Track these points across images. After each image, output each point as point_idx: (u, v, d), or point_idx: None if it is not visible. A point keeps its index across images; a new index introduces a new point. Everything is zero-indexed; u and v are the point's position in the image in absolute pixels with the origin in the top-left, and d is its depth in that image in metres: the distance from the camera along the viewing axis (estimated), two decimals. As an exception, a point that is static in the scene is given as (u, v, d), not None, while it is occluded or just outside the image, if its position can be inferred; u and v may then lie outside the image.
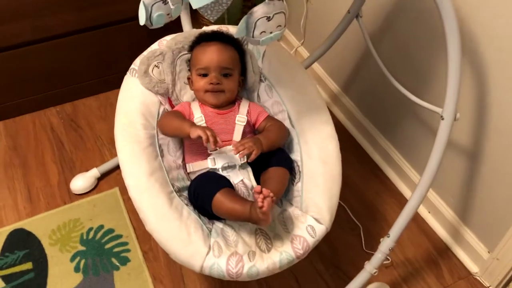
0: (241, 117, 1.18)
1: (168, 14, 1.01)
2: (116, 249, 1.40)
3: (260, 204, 0.93)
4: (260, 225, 1.01)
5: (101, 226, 1.45)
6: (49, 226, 1.45)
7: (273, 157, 1.12)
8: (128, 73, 1.20)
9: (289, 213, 1.11)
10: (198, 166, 1.14)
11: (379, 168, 1.67)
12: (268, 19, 0.88)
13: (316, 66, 1.86)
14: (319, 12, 1.76)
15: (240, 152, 1.05)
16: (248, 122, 1.19)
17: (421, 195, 1.13)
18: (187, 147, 1.18)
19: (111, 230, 1.45)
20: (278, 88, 1.22)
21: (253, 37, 0.87)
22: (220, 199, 1.02)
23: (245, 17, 0.88)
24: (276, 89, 1.22)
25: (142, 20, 0.99)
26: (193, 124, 1.10)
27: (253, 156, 1.06)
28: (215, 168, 1.11)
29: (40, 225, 1.45)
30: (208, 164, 1.12)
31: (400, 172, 1.59)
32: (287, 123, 1.20)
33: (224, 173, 1.11)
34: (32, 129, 1.73)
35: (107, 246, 1.41)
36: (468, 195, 1.37)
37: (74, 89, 1.81)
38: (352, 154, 1.71)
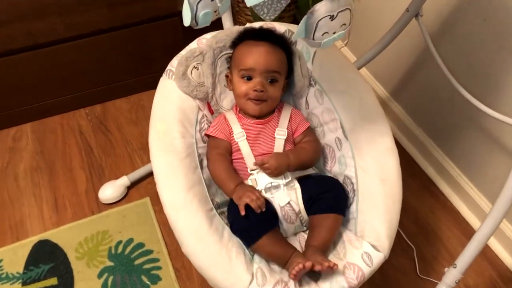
0: (281, 131, 1.06)
1: (215, 11, 0.89)
2: (146, 266, 1.29)
3: (291, 276, 0.88)
4: None
5: (131, 240, 1.35)
6: (76, 238, 1.35)
7: (327, 196, 0.99)
8: (164, 74, 1.08)
9: (341, 237, 0.98)
10: None
11: (433, 183, 1.52)
12: (332, 18, 0.75)
13: (361, 68, 1.72)
14: (367, 11, 1.62)
15: (261, 167, 1.00)
16: (288, 133, 1.07)
17: (495, 223, 0.98)
18: None
19: (141, 245, 1.34)
20: (330, 93, 1.09)
21: (313, 39, 0.75)
22: (263, 244, 0.93)
23: (305, 17, 0.75)
24: (327, 95, 1.09)
25: (187, 21, 0.88)
26: (238, 185, 0.99)
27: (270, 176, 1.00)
28: (257, 190, 0.99)
29: (66, 236, 1.36)
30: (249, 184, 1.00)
31: (457, 187, 1.44)
32: (339, 134, 1.07)
33: (267, 195, 0.99)
34: (60, 132, 1.65)
35: (137, 262, 1.30)
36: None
37: (104, 90, 1.72)
38: (402, 166, 1.54)
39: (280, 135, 1.06)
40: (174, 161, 0.96)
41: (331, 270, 0.88)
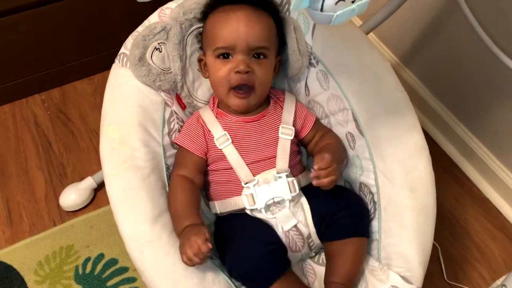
0: (286, 129, 0.82)
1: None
2: (121, 287, 1.08)
3: None
4: None
5: (101, 256, 1.13)
6: (35, 257, 1.14)
7: (345, 214, 0.76)
8: (116, 60, 0.83)
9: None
10: (229, 206, 0.78)
11: (455, 164, 1.30)
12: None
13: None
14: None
15: (323, 182, 0.73)
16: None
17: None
18: (211, 175, 0.82)
19: (113, 261, 1.13)
20: (338, 75, 0.84)
21: (321, 10, 0.49)
22: None
23: None
24: (334, 77, 0.84)
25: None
26: (189, 226, 0.72)
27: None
28: (255, 209, 0.76)
29: (23, 255, 1.14)
30: (243, 202, 0.77)
31: (484, 170, 1.23)
32: (351, 128, 0.83)
33: (268, 215, 0.76)
34: (12, 124, 1.40)
35: (110, 282, 1.09)
36: None
37: (61, 71, 1.46)
38: (418, 145, 1.33)
39: (287, 134, 0.82)
40: (135, 182, 0.73)
41: None
